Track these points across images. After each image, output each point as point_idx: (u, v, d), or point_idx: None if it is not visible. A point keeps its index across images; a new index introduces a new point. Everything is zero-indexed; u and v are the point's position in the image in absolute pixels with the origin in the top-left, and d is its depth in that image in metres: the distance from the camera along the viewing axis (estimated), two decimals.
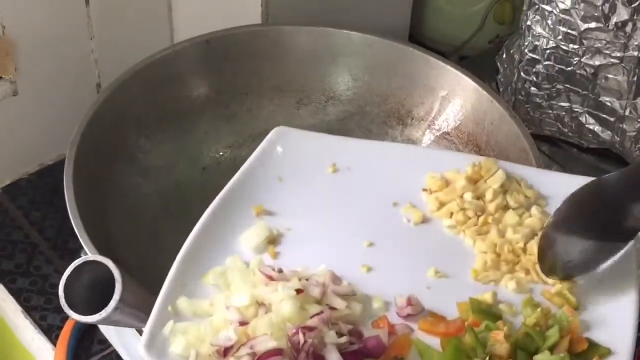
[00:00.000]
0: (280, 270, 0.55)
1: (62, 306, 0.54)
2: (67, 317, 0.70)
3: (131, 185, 0.74)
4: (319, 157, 0.61)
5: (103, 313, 0.53)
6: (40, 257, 0.80)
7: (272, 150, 0.61)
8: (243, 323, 0.52)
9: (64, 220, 0.82)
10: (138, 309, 0.56)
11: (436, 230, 0.59)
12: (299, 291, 0.53)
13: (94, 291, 0.56)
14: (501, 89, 0.90)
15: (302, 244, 0.57)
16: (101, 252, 0.62)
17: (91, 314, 0.54)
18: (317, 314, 0.52)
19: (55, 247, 0.81)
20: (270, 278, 0.54)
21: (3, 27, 0.79)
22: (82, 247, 0.64)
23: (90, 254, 0.61)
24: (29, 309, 0.76)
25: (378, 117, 0.81)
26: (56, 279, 0.78)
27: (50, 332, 0.74)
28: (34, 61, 0.82)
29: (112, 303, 0.53)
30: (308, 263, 0.56)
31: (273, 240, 0.57)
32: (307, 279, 0.54)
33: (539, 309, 0.54)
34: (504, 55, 0.90)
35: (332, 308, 0.53)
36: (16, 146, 0.85)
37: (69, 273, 0.54)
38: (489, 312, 0.54)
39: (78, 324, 0.73)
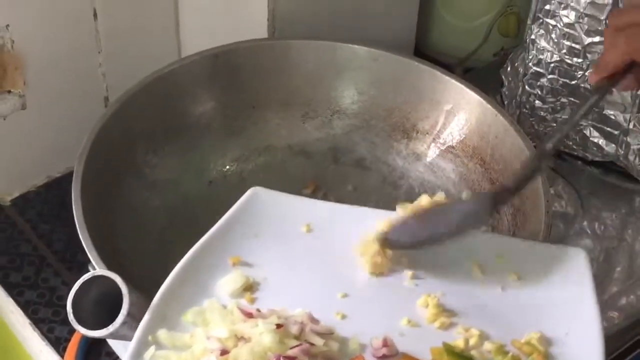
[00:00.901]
0: (259, 310, 0.56)
1: (70, 321, 0.54)
2: (74, 329, 0.70)
3: (138, 198, 0.74)
4: (294, 217, 0.64)
5: (110, 328, 0.54)
6: (48, 270, 0.80)
7: (248, 209, 0.64)
8: (224, 352, 0.53)
9: (72, 232, 0.82)
10: None
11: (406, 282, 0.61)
12: (278, 326, 0.54)
13: (101, 305, 0.56)
14: (506, 102, 0.90)
15: (278, 293, 0.59)
16: (108, 265, 0.63)
17: (99, 329, 0.55)
18: (297, 346, 0.53)
19: (63, 260, 0.81)
20: (250, 315, 0.55)
21: (12, 41, 0.79)
22: (89, 260, 0.65)
23: (98, 269, 0.62)
24: (37, 322, 0.76)
25: (383, 130, 0.81)
26: (64, 292, 0.78)
27: (58, 345, 0.74)
28: (42, 75, 0.83)
29: (120, 318, 0.54)
30: (285, 308, 0.57)
31: (249, 287, 0.59)
32: (285, 318, 0.55)
33: (509, 355, 0.55)
34: (509, 69, 0.90)
35: (311, 344, 0.54)
36: (24, 159, 0.86)
37: (77, 288, 0.55)
38: (463, 356, 0.55)
39: (85, 337, 0.73)
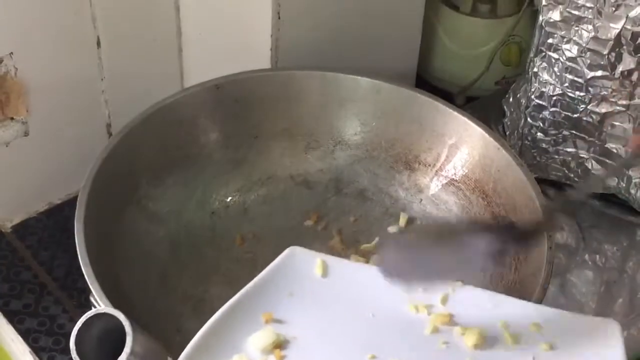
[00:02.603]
0: None
1: (74, 358, 0.54)
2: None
3: (141, 229, 0.74)
4: (330, 278, 0.64)
5: None
6: (49, 298, 0.80)
7: (285, 268, 0.64)
8: None
9: (73, 260, 0.82)
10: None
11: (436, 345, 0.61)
12: None
13: (103, 342, 0.56)
14: (507, 133, 0.91)
15: (307, 352, 0.59)
16: (110, 297, 0.63)
17: None
18: None
19: (63, 287, 0.81)
20: None
21: (16, 69, 0.80)
22: (91, 291, 0.65)
23: (101, 306, 0.62)
24: (37, 350, 0.76)
25: (385, 161, 0.82)
26: (64, 320, 0.78)
27: None
28: (45, 102, 0.83)
29: (123, 356, 0.54)
30: None
31: (280, 344, 0.59)
32: None
33: None
34: (511, 99, 0.91)
35: None
36: (26, 185, 0.86)
37: (80, 325, 0.55)
38: None
39: None
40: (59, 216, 0.87)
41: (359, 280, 0.64)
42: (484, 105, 0.96)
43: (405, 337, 0.61)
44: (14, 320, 0.78)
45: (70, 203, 0.88)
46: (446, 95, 0.82)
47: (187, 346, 0.57)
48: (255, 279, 0.63)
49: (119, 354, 0.55)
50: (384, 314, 0.62)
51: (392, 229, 0.79)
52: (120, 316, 0.54)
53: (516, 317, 0.61)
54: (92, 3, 0.81)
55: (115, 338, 0.55)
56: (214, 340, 0.58)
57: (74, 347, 0.54)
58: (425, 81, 1.00)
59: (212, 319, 0.59)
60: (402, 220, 0.79)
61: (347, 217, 0.81)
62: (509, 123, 0.91)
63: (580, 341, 0.60)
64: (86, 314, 0.55)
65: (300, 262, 0.64)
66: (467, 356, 0.59)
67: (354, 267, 0.67)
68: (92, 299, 0.67)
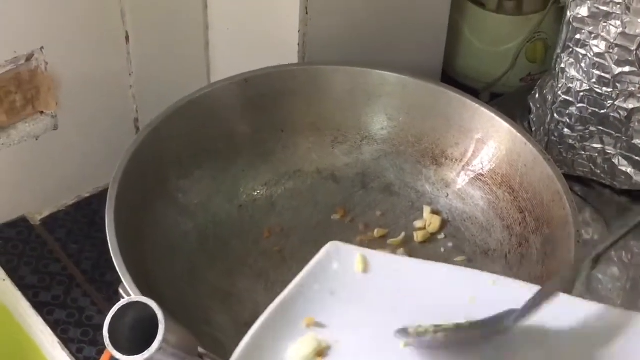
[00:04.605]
0: None
1: (107, 346, 0.55)
2: (103, 349, 0.71)
3: (170, 222, 0.75)
4: (373, 274, 0.62)
5: (146, 354, 0.54)
6: (78, 290, 0.81)
7: (325, 265, 0.62)
8: None
9: (101, 252, 0.83)
10: (179, 349, 0.57)
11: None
12: None
13: (135, 331, 0.57)
14: (534, 129, 0.90)
15: (349, 357, 0.57)
16: (140, 288, 0.64)
17: (133, 354, 0.55)
18: None
19: (92, 280, 0.82)
20: None
21: (46, 63, 0.80)
22: (119, 281, 0.65)
23: (133, 295, 0.62)
24: (66, 341, 0.77)
25: (412, 156, 0.82)
26: (93, 312, 0.79)
27: None
28: (74, 96, 0.84)
29: (156, 344, 0.54)
30: None
31: (321, 352, 0.57)
32: None
33: None
34: (537, 96, 0.91)
35: None
36: (55, 178, 0.87)
37: (113, 314, 0.55)
38: None
39: (114, 357, 0.74)
40: (87, 209, 0.88)
41: (401, 274, 0.62)
42: (509, 102, 0.96)
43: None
44: (44, 311, 0.79)
45: (99, 196, 0.89)
46: (471, 92, 0.82)
47: (232, 356, 0.56)
48: (296, 278, 0.61)
49: (151, 343, 0.55)
50: (429, 309, 0.59)
51: (418, 224, 0.80)
52: (153, 305, 0.55)
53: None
54: None
55: (146, 327, 0.56)
56: (258, 348, 0.57)
57: (107, 335, 0.55)
58: (450, 78, 1.01)
59: (254, 328, 0.58)
60: (426, 213, 0.80)
61: (374, 212, 0.81)
62: (535, 119, 0.91)
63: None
64: (119, 303, 0.55)
65: (341, 258, 0.62)
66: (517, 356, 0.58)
67: (396, 260, 0.64)
68: (121, 290, 0.68)
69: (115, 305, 0.56)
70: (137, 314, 0.56)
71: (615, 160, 0.85)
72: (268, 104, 0.80)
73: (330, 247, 0.63)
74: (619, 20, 0.78)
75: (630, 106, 0.81)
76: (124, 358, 0.54)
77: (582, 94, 0.83)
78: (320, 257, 0.62)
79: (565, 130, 0.86)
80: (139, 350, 0.55)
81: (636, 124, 0.82)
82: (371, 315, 0.60)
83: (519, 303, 0.58)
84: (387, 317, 0.59)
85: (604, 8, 0.79)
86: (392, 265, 0.63)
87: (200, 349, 0.60)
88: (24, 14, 0.77)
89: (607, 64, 0.80)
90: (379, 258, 0.63)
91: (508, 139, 0.77)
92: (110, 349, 0.54)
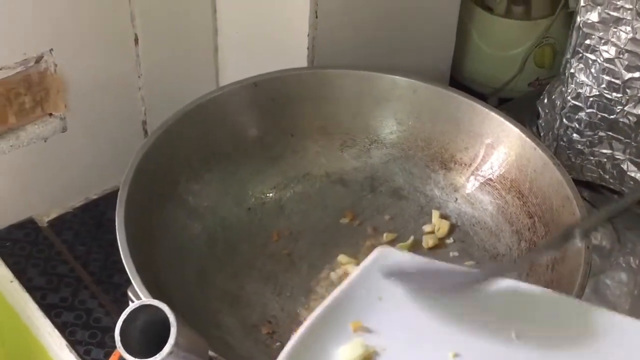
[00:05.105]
0: None
1: (119, 349, 0.55)
2: (110, 352, 0.71)
3: (179, 225, 0.75)
4: (420, 280, 0.61)
5: (158, 357, 0.54)
6: (85, 292, 0.81)
7: (374, 270, 0.61)
8: None
9: (108, 255, 0.83)
10: (190, 352, 0.57)
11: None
12: None
13: (146, 334, 0.57)
14: (542, 134, 0.90)
15: None
16: (149, 291, 0.64)
17: (143, 357, 0.55)
18: None
19: (99, 282, 0.82)
20: None
21: (55, 65, 0.80)
22: (127, 283, 0.65)
23: (142, 297, 0.62)
24: (74, 343, 0.77)
25: (421, 160, 0.82)
26: (100, 314, 0.79)
27: None
28: (83, 98, 0.84)
29: (167, 347, 0.54)
30: None
31: (368, 357, 0.57)
32: None
33: None
34: (545, 101, 0.91)
35: None
36: (63, 180, 0.87)
37: (125, 316, 0.55)
38: None
39: (122, 359, 0.74)
40: (95, 211, 0.88)
41: (448, 281, 0.61)
42: (517, 107, 0.96)
43: (494, 341, 0.58)
44: (51, 313, 0.79)
45: (106, 198, 0.89)
46: (479, 97, 0.82)
47: (278, 357, 0.55)
48: (344, 283, 0.60)
49: (162, 345, 0.55)
50: (475, 316, 0.59)
51: (427, 228, 0.80)
52: (165, 308, 0.55)
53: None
54: (130, 1, 0.82)
55: (156, 330, 0.56)
56: (305, 352, 0.56)
57: (119, 338, 0.55)
58: (458, 82, 1.01)
59: (302, 329, 0.57)
60: (435, 217, 0.80)
61: (382, 216, 0.81)
62: (543, 124, 0.91)
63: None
64: (132, 305, 0.55)
65: (391, 263, 0.61)
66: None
67: (442, 267, 0.63)
68: (129, 293, 0.68)
69: (128, 308, 0.56)
70: (148, 317, 0.56)
71: (624, 166, 0.85)
72: (277, 107, 0.80)
73: (377, 253, 0.62)
74: (629, 26, 0.78)
75: None
76: None
77: (591, 99, 0.83)
78: (368, 262, 0.62)
79: (574, 135, 0.86)
80: (149, 353, 0.55)
81: None
82: (419, 322, 0.59)
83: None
84: (435, 325, 0.59)
85: (615, 14, 0.79)
86: (439, 272, 0.62)
87: (210, 352, 0.60)
88: (34, 16, 0.77)
89: (617, 69, 0.80)
90: (427, 265, 0.62)
91: (518, 144, 0.77)
92: (122, 352, 0.54)
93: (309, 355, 0.56)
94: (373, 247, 0.77)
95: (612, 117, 0.83)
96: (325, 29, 0.81)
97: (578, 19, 0.81)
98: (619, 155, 0.85)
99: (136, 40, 0.85)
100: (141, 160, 0.72)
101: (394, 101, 0.81)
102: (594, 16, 0.80)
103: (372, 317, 0.59)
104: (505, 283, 0.60)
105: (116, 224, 0.67)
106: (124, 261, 0.65)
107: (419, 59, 0.91)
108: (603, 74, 0.81)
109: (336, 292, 0.60)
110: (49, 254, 0.84)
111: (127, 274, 0.65)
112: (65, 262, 0.83)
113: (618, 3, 0.78)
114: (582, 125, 0.85)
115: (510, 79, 0.99)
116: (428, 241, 0.78)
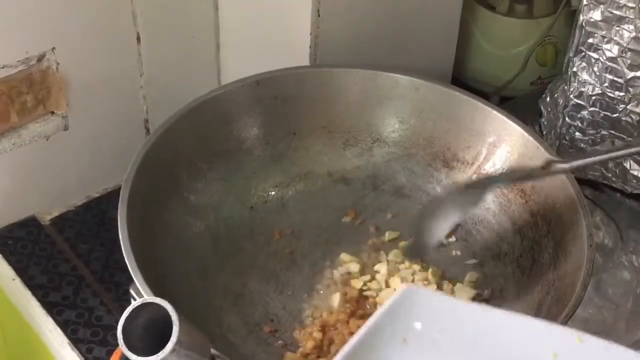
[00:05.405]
0: None
1: (121, 347, 0.55)
2: (112, 349, 0.70)
3: (181, 223, 0.74)
4: (449, 323, 0.58)
5: (160, 355, 0.54)
6: (87, 290, 0.81)
7: (399, 310, 0.58)
8: None
9: (110, 252, 0.83)
10: (192, 350, 0.57)
11: None
12: None
13: (148, 331, 0.57)
14: (544, 132, 0.90)
15: None
16: (152, 289, 0.63)
17: (145, 355, 0.55)
18: None
19: (101, 280, 0.82)
20: None
21: (57, 63, 0.80)
22: (129, 281, 0.65)
23: (144, 294, 0.62)
24: (76, 342, 0.76)
25: (423, 159, 0.82)
26: (102, 312, 0.79)
27: None
28: (85, 97, 0.84)
29: (170, 345, 0.54)
30: None
31: None
32: None
33: None
34: (548, 99, 0.91)
35: None
36: (65, 179, 0.87)
37: (127, 314, 0.55)
38: None
39: (123, 357, 0.74)
40: (96, 210, 0.88)
41: (480, 325, 0.57)
42: (519, 105, 0.96)
43: None
44: (53, 311, 0.78)
45: (108, 197, 0.89)
46: (481, 95, 0.82)
47: None
48: (368, 323, 0.57)
49: (164, 343, 0.55)
50: None
51: None
52: (167, 306, 0.55)
53: None
54: (132, 0, 0.82)
55: (158, 328, 0.56)
56: None
57: (121, 336, 0.55)
58: (460, 81, 1.00)
59: None
60: None
61: (384, 214, 0.81)
62: (545, 123, 0.90)
63: None
64: (134, 303, 0.55)
65: (417, 303, 0.58)
66: None
67: (474, 309, 0.59)
68: (131, 291, 0.68)
69: (130, 306, 0.55)
70: (150, 315, 0.56)
71: (627, 164, 0.85)
72: (279, 106, 0.80)
73: (403, 292, 0.59)
74: (632, 24, 0.78)
75: None
76: (137, 359, 0.54)
77: (594, 97, 0.83)
78: (393, 302, 0.58)
79: (577, 134, 0.86)
80: (151, 352, 0.55)
81: None
82: None
83: None
84: None
85: (617, 12, 0.79)
86: (470, 314, 0.58)
87: (212, 350, 0.60)
88: (36, 14, 0.77)
89: (619, 68, 0.80)
90: (458, 306, 0.58)
91: (520, 143, 0.77)
92: (124, 350, 0.54)
93: None
94: (375, 245, 0.78)
95: (614, 115, 0.83)
96: (328, 28, 0.81)
97: (581, 17, 0.81)
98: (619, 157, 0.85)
99: (138, 39, 0.85)
100: (143, 159, 0.72)
101: (396, 100, 0.81)
102: (596, 15, 0.80)
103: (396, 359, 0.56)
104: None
105: (118, 222, 0.67)
106: (125, 259, 0.65)
107: (421, 57, 0.91)
108: (606, 72, 0.81)
109: (359, 332, 0.56)
110: (51, 252, 0.84)
111: (129, 272, 0.65)
112: (67, 261, 0.83)
113: (621, 1, 0.78)
114: (585, 123, 0.85)
115: (512, 78, 0.99)
116: None
